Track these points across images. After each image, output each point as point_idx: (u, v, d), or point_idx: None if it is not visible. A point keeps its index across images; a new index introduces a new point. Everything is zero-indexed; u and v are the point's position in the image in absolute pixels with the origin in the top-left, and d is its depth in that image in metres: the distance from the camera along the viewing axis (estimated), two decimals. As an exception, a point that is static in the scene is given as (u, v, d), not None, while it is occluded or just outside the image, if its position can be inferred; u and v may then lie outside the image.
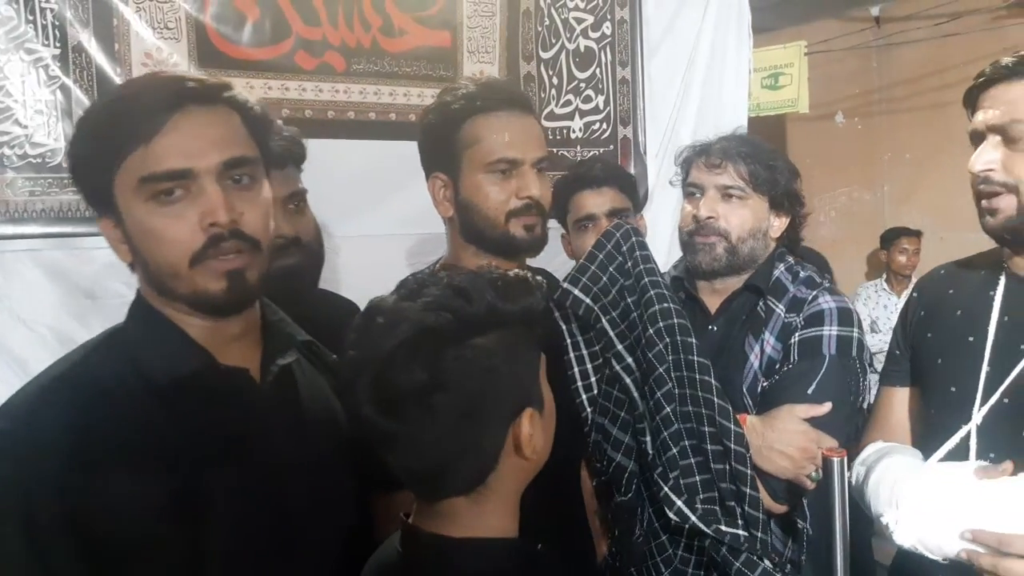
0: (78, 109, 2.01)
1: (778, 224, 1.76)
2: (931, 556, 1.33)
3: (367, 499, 1.43)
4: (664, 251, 2.85)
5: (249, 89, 2.32)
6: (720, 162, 1.70)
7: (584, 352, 1.52)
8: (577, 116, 3.09)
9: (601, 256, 1.49)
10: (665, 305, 1.41)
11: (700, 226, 1.69)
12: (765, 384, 1.62)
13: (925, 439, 1.52)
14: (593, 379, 1.52)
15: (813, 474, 1.52)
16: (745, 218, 1.70)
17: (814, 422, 1.53)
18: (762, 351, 1.64)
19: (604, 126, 3.17)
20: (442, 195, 1.58)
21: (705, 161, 1.72)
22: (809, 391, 1.56)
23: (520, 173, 1.52)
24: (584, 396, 1.52)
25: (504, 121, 1.53)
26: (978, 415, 1.39)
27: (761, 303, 1.69)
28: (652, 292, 1.42)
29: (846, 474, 1.28)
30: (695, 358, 1.38)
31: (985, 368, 1.41)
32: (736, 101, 3.50)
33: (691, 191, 1.76)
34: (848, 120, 5.34)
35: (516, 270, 1.02)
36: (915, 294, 1.66)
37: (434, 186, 1.59)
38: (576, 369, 1.52)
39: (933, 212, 4.92)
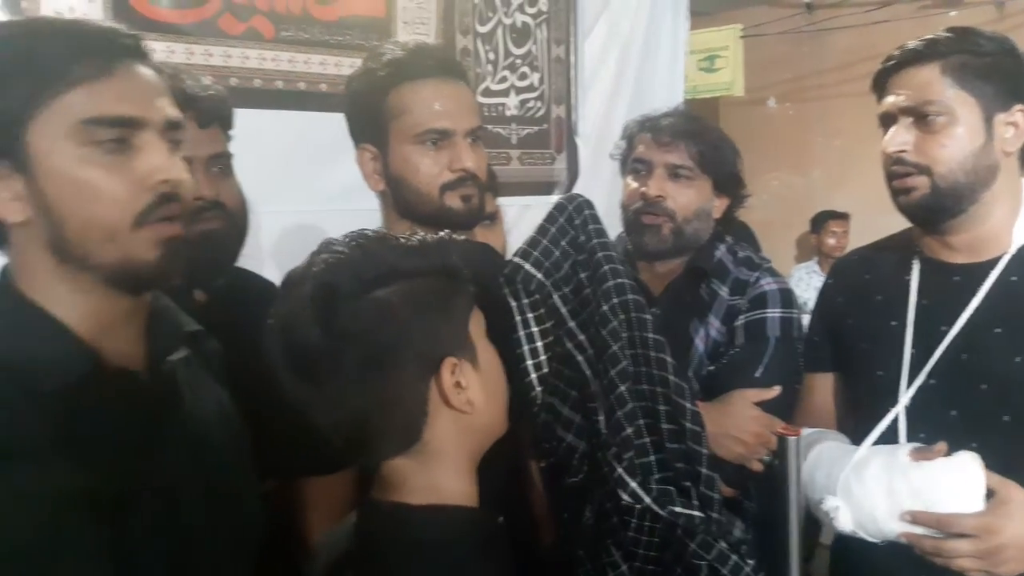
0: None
1: (719, 205, 1.75)
2: (871, 539, 1.35)
3: (287, 489, 1.39)
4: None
5: (170, 54, 2.18)
6: (670, 140, 1.67)
7: (535, 330, 1.44)
8: (512, 93, 3.03)
9: (553, 229, 1.41)
10: (620, 281, 1.35)
11: (647, 205, 1.66)
12: (711, 368, 1.61)
13: (854, 424, 1.54)
14: (543, 357, 1.45)
15: (765, 457, 1.52)
16: (692, 199, 1.68)
17: (763, 405, 1.53)
18: (707, 334, 1.63)
19: (539, 104, 3.13)
20: (371, 168, 1.49)
21: (654, 137, 1.69)
22: (757, 374, 1.57)
23: (452, 144, 1.44)
24: (534, 375, 1.44)
25: (433, 89, 1.44)
26: (905, 397, 1.42)
27: (704, 285, 1.67)
28: (606, 267, 1.36)
29: (801, 452, 1.28)
30: (650, 335, 1.33)
31: (909, 351, 1.44)
32: (672, 83, 3.49)
33: (637, 167, 1.72)
34: (780, 105, 5.40)
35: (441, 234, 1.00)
36: (831, 280, 1.68)
37: (363, 158, 1.50)
38: (526, 347, 1.44)
39: (861, 196, 4.99)
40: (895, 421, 1.43)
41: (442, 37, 2.74)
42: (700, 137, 1.69)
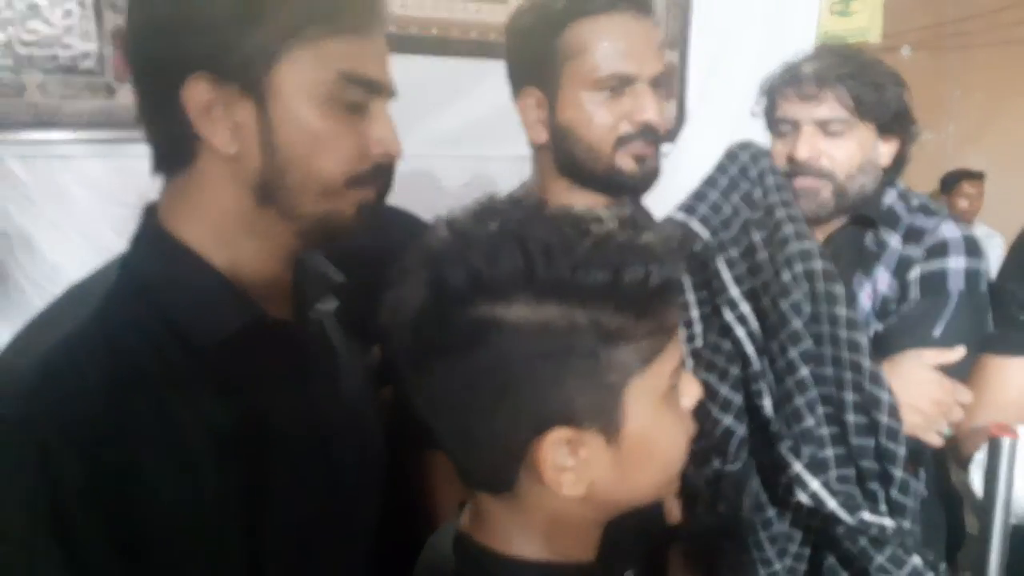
0: (108, 11, 1.80)
1: (887, 150, 1.52)
2: None
3: (405, 457, 1.29)
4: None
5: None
6: (816, 91, 1.45)
7: (690, 297, 1.28)
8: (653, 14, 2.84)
9: (724, 181, 1.22)
10: (806, 245, 1.15)
11: (798, 168, 1.45)
12: (880, 328, 1.41)
13: None
14: (698, 328, 1.28)
15: (945, 430, 1.32)
16: (852, 152, 1.46)
17: (945, 370, 1.32)
18: (875, 290, 1.44)
19: None
20: (534, 116, 1.30)
21: (797, 91, 1.47)
22: (936, 333, 1.35)
23: (634, 92, 1.24)
24: (686, 347, 1.28)
25: (618, 25, 1.23)
26: None
27: (871, 235, 1.47)
28: (789, 228, 1.16)
29: (1018, 458, 1.09)
30: (842, 312, 1.13)
31: None
32: (803, 28, 3.23)
33: (782, 128, 1.51)
34: (916, 53, 4.99)
35: (647, 231, 0.70)
36: None
37: (525, 104, 1.31)
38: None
39: (998, 155, 4.64)
40: None
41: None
42: (854, 79, 1.44)
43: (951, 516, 1.71)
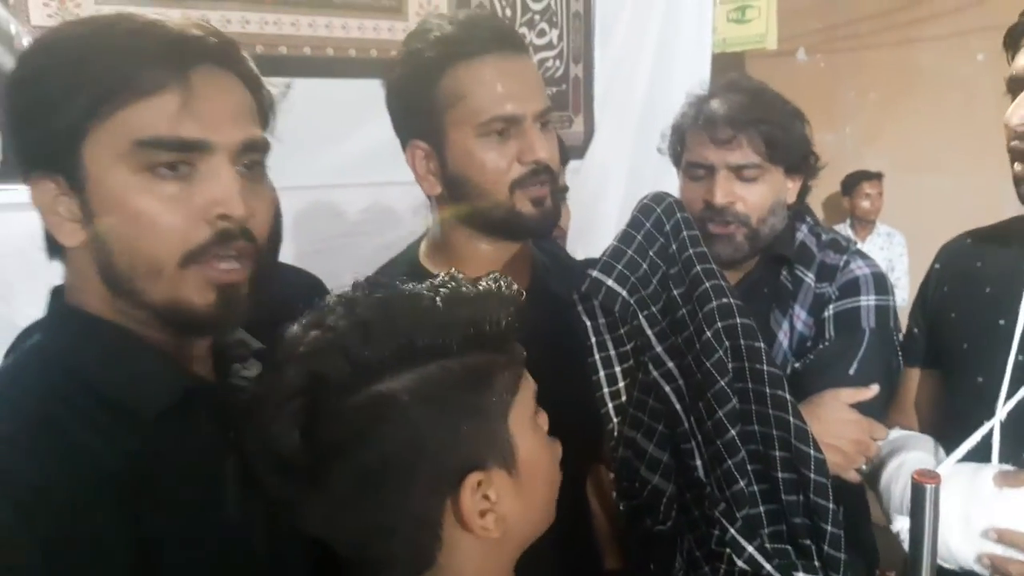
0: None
1: (793, 187, 1.54)
2: (945, 565, 1.20)
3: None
4: (615, 211, 2.64)
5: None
6: (731, 136, 1.44)
7: (612, 353, 1.23)
8: (531, 52, 2.81)
9: (639, 237, 1.18)
10: (724, 301, 1.12)
11: (715, 213, 1.45)
12: (797, 365, 1.42)
13: (947, 431, 1.36)
14: (622, 384, 1.24)
15: (863, 467, 1.35)
16: (764, 196, 1.47)
17: (858, 406, 1.35)
18: (792, 328, 1.45)
19: (557, 63, 2.96)
20: (425, 169, 1.27)
21: (711, 135, 1.46)
22: (851, 372, 1.38)
23: (521, 132, 1.22)
24: (611, 404, 1.24)
25: (494, 67, 1.21)
26: (1003, 411, 1.23)
27: (785, 272, 1.48)
28: (707, 284, 1.13)
29: (940, 504, 1.08)
30: (765, 367, 1.11)
31: (1014, 357, 1.24)
32: (699, 36, 3.26)
33: (695, 172, 1.49)
34: (811, 57, 5.08)
35: (484, 280, 0.79)
36: (937, 265, 1.47)
37: (414, 158, 1.27)
38: (602, 373, 1.23)
39: (896, 154, 4.75)
40: (989, 436, 1.25)
41: (457, -8, 2.53)
42: (765, 123, 1.45)
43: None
